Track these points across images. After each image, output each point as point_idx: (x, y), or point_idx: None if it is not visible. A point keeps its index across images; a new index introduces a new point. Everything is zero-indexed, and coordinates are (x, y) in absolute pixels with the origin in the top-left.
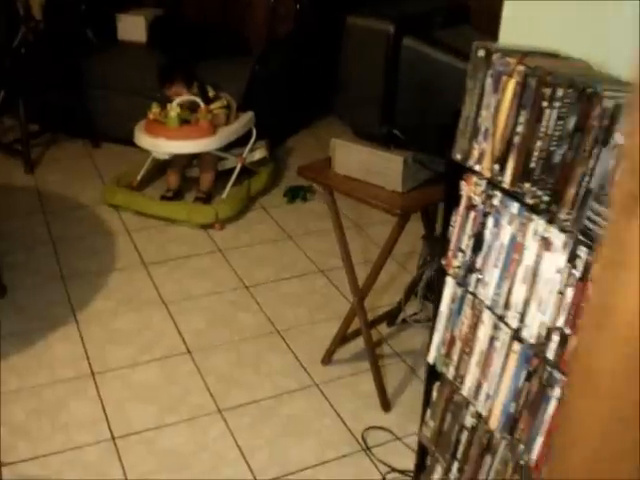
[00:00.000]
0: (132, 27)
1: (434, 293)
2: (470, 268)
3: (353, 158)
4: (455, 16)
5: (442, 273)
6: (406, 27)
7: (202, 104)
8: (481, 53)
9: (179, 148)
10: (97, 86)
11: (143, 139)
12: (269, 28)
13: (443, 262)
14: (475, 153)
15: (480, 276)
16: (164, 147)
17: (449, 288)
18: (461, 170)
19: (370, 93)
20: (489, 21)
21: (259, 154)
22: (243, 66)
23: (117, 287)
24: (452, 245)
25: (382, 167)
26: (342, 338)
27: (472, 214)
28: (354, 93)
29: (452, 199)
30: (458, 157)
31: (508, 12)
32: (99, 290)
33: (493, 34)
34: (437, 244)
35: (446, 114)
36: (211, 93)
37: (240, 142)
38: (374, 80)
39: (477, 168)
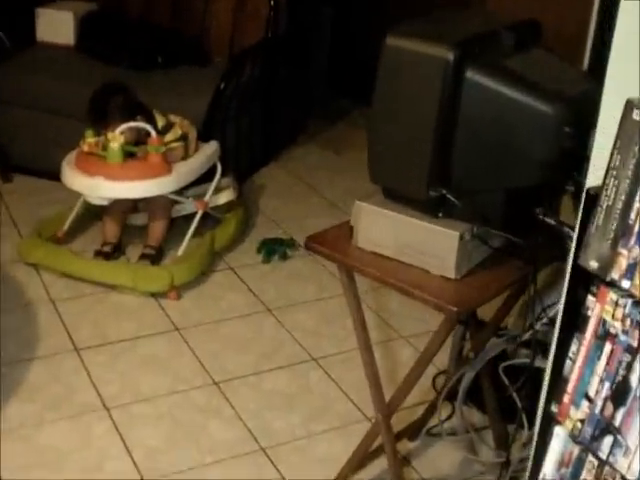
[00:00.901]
0: (56, 25)
1: (478, 398)
2: (602, 426)
3: (386, 229)
4: (525, 36)
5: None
6: (469, 53)
7: (153, 132)
8: (637, 116)
9: (123, 192)
10: (9, 102)
11: (74, 178)
12: (235, 34)
13: (554, 408)
14: (622, 262)
15: (620, 439)
16: (103, 190)
17: (559, 443)
18: (584, 276)
19: (417, 143)
20: (555, 40)
21: (225, 196)
22: (203, 81)
23: (40, 384)
24: (570, 387)
25: (428, 243)
26: (359, 462)
27: (607, 346)
28: (393, 142)
29: (572, 311)
30: (593, 265)
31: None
32: (14, 389)
33: (568, 57)
34: (485, 332)
35: (520, 174)
36: (161, 122)
37: (200, 180)
38: (423, 125)
39: (624, 284)
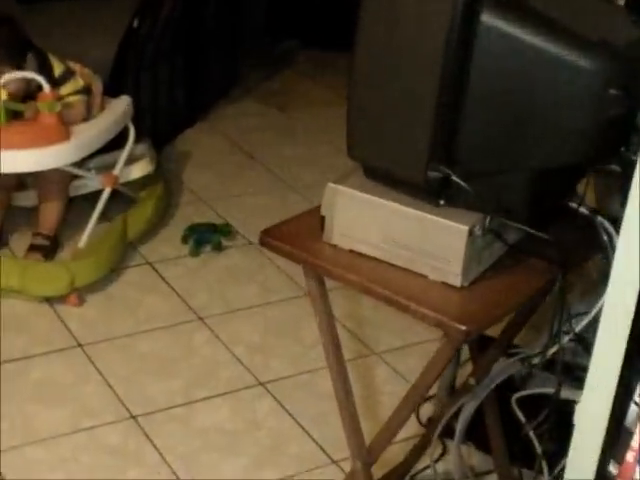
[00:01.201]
0: None
1: (480, 435)
2: None
3: (370, 221)
4: None
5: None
6: None
7: (45, 85)
8: None
9: (6, 164)
10: None
11: None
12: None
13: (613, 469)
14: None
15: None
16: None
17: None
18: None
19: (414, 108)
20: None
21: (140, 169)
22: (110, 19)
23: None
24: (638, 442)
25: (426, 240)
26: None
27: None
28: (381, 107)
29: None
30: None
31: None
32: None
33: None
34: (492, 351)
35: (549, 150)
36: (58, 68)
37: (106, 148)
38: (423, 84)
39: None
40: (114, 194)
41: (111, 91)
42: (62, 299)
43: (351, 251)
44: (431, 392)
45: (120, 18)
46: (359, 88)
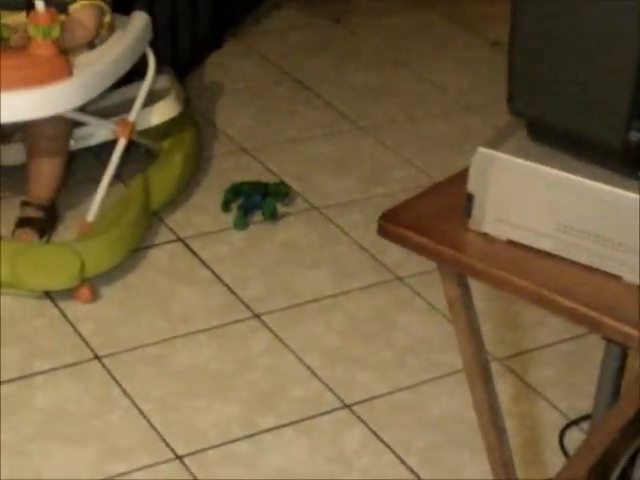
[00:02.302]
0: None
1: None
2: None
3: (541, 201)
4: None
5: None
6: None
7: (39, 4)
8: None
9: None
10: None
11: None
12: None
13: None
14: None
15: None
16: None
17: None
18: None
19: (605, 50)
20: None
21: (164, 110)
22: None
23: None
24: None
25: (621, 228)
26: None
27: None
28: (563, 48)
29: None
30: None
31: None
32: None
33: None
34: None
35: None
36: None
37: (117, 82)
38: (616, 25)
39: None
40: (129, 146)
41: (121, 6)
42: (69, 293)
43: (510, 242)
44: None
45: None
46: (530, 22)
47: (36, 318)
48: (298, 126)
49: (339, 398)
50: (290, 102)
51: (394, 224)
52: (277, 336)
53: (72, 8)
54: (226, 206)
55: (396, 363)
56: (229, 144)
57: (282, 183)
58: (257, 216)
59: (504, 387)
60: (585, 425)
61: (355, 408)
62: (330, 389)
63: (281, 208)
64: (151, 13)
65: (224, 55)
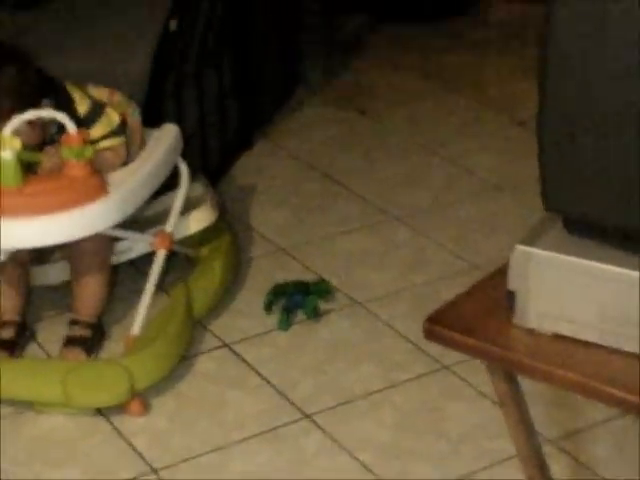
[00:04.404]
0: None
1: None
2: None
3: (584, 294)
4: None
5: None
6: None
7: (69, 124)
8: None
9: (27, 237)
10: None
11: None
12: None
13: None
14: None
15: None
16: None
17: None
18: None
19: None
20: None
21: (201, 218)
22: (137, 20)
23: None
24: None
25: None
26: None
27: None
28: (594, 141)
29: None
30: None
31: None
32: None
33: None
34: None
35: None
36: (83, 104)
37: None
38: None
39: None
40: (169, 256)
41: (148, 117)
42: (121, 408)
43: (556, 335)
44: None
45: (150, 20)
46: (559, 116)
47: (90, 436)
48: (332, 221)
49: None
50: (322, 198)
51: (440, 326)
52: (329, 435)
53: (104, 143)
54: (269, 307)
55: (449, 453)
56: (266, 245)
57: (322, 280)
58: (300, 315)
59: (559, 469)
60: None
61: None
62: None
63: (323, 305)
64: (180, 121)
65: (254, 156)
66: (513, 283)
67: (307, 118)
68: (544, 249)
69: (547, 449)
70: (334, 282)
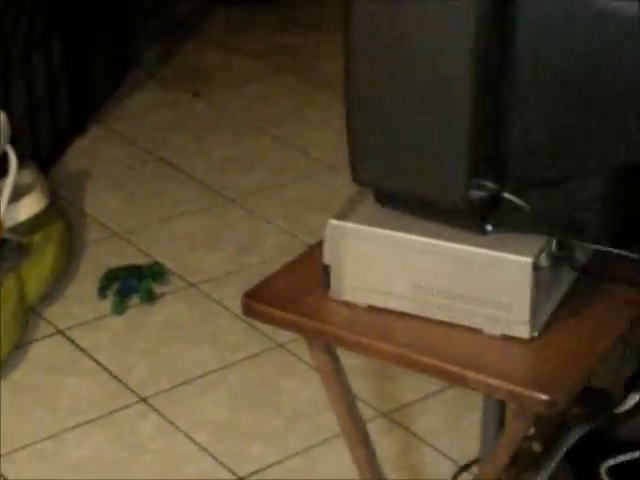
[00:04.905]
0: None
1: None
2: None
3: (392, 264)
4: None
5: None
6: None
7: None
8: None
9: None
10: None
11: None
12: None
13: None
14: None
15: None
16: None
17: None
18: None
19: (440, 108)
20: None
21: (30, 204)
22: None
23: None
24: None
25: (476, 282)
26: None
27: None
28: (397, 113)
29: None
30: None
31: None
32: None
33: None
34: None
35: (634, 139)
36: None
37: None
38: (450, 73)
39: None
40: (1, 244)
41: None
42: None
43: (371, 307)
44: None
45: None
46: (362, 90)
47: None
48: (167, 204)
49: (232, 471)
50: (157, 181)
51: (257, 301)
52: (165, 417)
53: None
54: (102, 293)
55: (285, 430)
56: (100, 230)
57: (156, 263)
58: (134, 300)
59: (392, 440)
60: (476, 469)
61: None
62: (222, 464)
63: (158, 288)
64: (7, 107)
65: (87, 141)
66: (328, 257)
67: (141, 102)
68: (355, 222)
69: (380, 422)
70: (168, 265)
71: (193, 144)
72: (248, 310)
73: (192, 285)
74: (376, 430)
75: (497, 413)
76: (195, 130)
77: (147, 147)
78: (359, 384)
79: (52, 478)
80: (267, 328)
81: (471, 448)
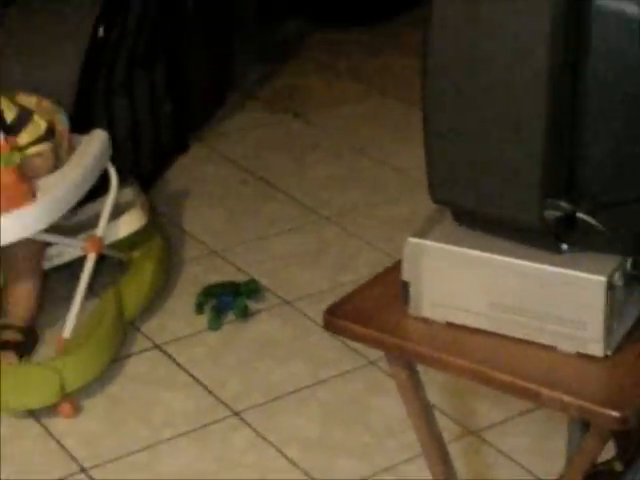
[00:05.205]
0: None
1: None
2: None
3: (472, 283)
4: None
5: None
6: None
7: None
8: None
9: None
10: None
11: None
12: None
13: None
14: None
15: None
16: None
17: None
18: None
19: (516, 132)
20: None
21: (130, 222)
22: (65, 25)
23: None
24: None
25: (549, 300)
26: None
27: None
28: (474, 134)
29: None
30: None
31: None
32: None
33: None
34: None
35: None
36: (10, 112)
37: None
38: (525, 101)
39: None
40: (101, 260)
41: (77, 125)
42: (52, 410)
43: (449, 324)
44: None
45: (78, 25)
46: (439, 113)
47: (21, 438)
48: (264, 223)
49: None
50: (255, 200)
51: (338, 317)
52: (257, 432)
53: (31, 150)
54: (199, 308)
55: (375, 446)
56: (199, 247)
57: (252, 281)
58: (230, 316)
59: (479, 458)
60: None
61: None
62: (312, 479)
63: (253, 305)
64: (110, 126)
65: (189, 159)
66: (407, 274)
67: (241, 121)
68: (434, 240)
69: (469, 440)
70: (264, 282)
71: (292, 164)
72: (330, 325)
73: (287, 302)
74: (462, 448)
75: (581, 434)
76: (294, 150)
77: (247, 166)
78: (445, 401)
79: None
80: (359, 345)
81: (555, 469)
